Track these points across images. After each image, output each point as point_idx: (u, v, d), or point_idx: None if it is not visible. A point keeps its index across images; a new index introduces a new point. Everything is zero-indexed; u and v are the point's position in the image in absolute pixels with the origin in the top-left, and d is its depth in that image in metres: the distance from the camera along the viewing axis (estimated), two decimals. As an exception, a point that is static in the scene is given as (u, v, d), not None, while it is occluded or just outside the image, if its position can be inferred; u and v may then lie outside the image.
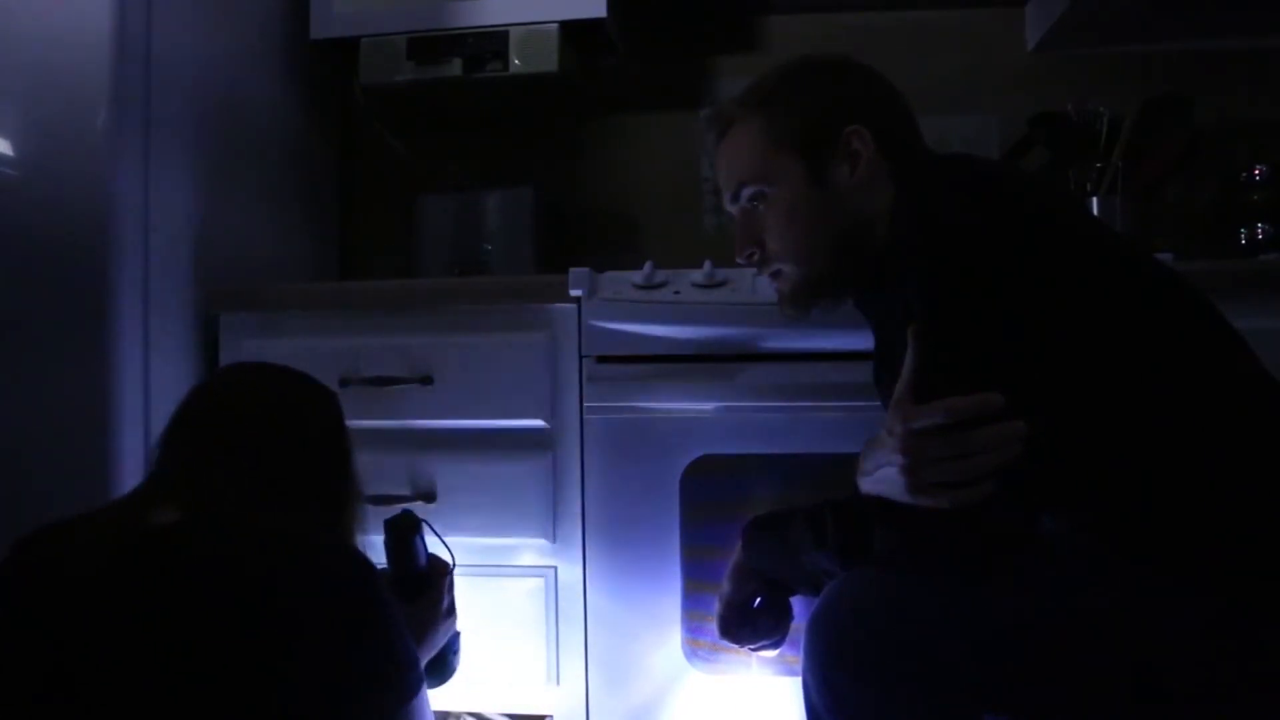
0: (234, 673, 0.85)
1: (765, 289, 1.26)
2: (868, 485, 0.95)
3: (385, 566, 1.20)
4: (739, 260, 1.18)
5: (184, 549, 0.91)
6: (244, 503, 0.96)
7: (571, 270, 1.44)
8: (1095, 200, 1.73)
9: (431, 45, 1.79)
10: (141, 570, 0.89)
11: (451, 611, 1.25)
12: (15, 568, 0.93)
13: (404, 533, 1.20)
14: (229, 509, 0.95)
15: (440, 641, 1.22)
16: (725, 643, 1.20)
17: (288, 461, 1.03)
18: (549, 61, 1.75)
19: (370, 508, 1.37)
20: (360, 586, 0.95)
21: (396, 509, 1.22)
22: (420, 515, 1.25)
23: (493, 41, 1.77)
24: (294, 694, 0.87)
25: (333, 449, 1.08)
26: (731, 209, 1.19)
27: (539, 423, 1.46)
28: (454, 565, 1.26)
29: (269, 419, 1.04)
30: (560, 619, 1.45)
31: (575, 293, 1.44)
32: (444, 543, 1.27)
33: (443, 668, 1.25)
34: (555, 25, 1.75)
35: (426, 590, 1.20)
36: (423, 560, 1.22)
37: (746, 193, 1.15)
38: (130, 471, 1.38)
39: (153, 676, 0.85)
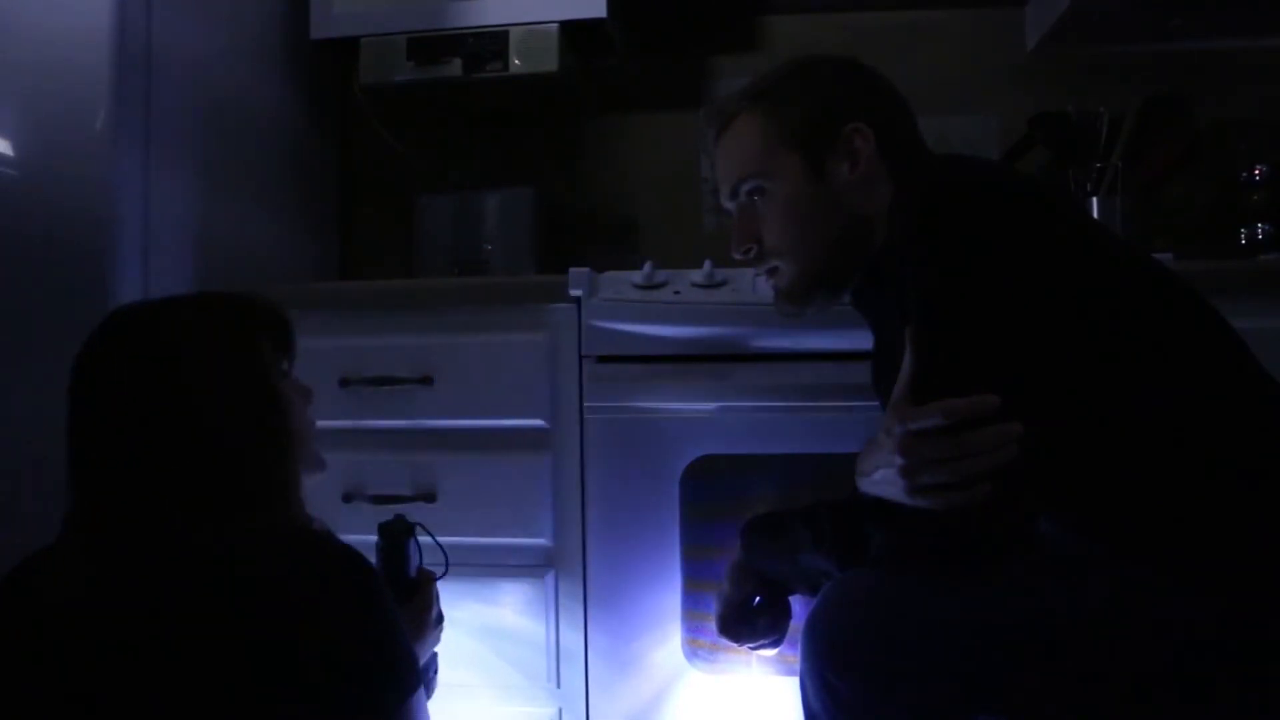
0: (242, 669, 0.86)
1: (765, 289, 1.26)
2: (866, 486, 0.96)
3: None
4: (735, 255, 1.18)
5: (190, 556, 0.90)
6: (214, 501, 0.94)
7: (571, 270, 1.44)
8: (1095, 200, 1.73)
9: (431, 45, 1.79)
10: (150, 583, 0.88)
11: (440, 621, 1.24)
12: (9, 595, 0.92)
13: (398, 537, 1.19)
14: (206, 509, 0.93)
15: (428, 650, 1.21)
16: (725, 642, 1.20)
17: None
18: (549, 61, 1.76)
19: (371, 509, 1.35)
20: (361, 580, 0.95)
21: (390, 512, 1.21)
22: (417, 518, 1.23)
23: (493, 41, 1.77)
24: (299, 687, 0.88)
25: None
26: (730, 205, 1.19)
27: (539, 423, 1.46)
28: (447, 570, 1.24)
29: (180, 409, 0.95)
30: (560, 619, 1.45)
31: (575, 293, 1.44)
32: (440, 545, 1.25)
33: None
34: (555, 25, 1.75)
35: (415, 597, 1.19)
36: (415, 566, 1.21)
37: (745, 188, 1.15)
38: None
39: (164, 680, 0.85)
